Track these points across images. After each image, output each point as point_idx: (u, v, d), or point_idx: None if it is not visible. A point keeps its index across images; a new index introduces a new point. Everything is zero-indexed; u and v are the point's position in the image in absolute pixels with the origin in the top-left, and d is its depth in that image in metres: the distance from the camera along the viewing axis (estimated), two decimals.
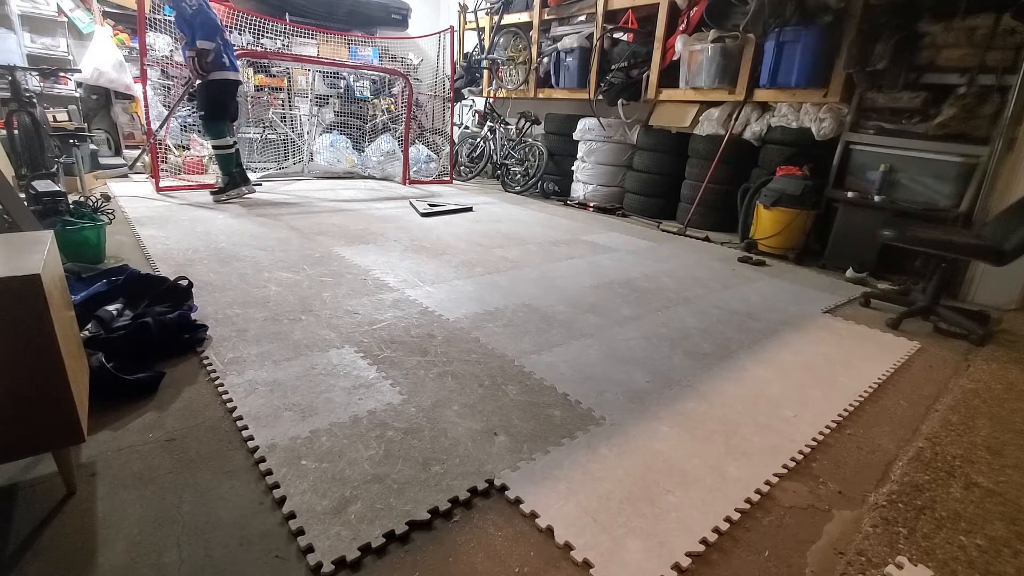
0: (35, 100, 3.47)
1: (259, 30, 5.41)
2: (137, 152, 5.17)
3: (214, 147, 4.11)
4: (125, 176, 4.89)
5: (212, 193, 4.14)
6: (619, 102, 4.74)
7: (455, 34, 6.11)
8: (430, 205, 4.41)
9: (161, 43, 5.19)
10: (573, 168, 5.25)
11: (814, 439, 1.51)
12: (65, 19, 4.78)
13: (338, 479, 1.21)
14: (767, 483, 1.30)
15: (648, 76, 4.54)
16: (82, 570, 0.96)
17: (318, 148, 5.85)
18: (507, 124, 5.97)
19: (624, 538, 1.10)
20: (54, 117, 4.50)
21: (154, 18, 5.09)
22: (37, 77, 4.46)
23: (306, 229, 3.48)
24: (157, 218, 3.51)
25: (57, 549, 1.00)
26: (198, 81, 3.90)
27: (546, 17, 5.38)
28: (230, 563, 0.99)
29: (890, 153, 3.23)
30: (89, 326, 1.63)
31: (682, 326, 2.26)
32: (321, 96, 6.04)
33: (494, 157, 5.97)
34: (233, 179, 4.16)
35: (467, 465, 1.29)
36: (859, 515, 1.23)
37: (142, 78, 4.27)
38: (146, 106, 4.32)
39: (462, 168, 6.44)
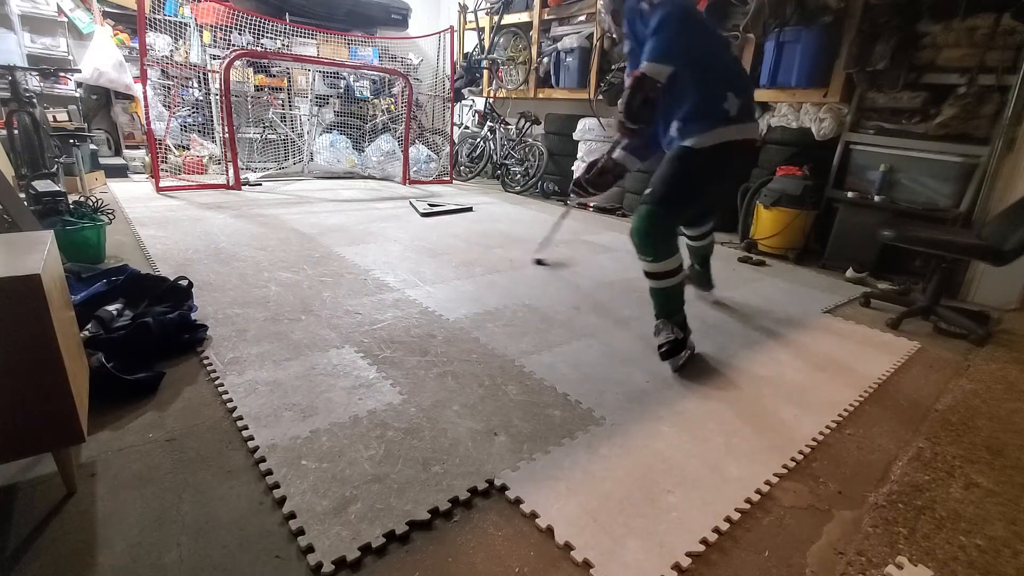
0: (35, 100, 3.46)
1: (259, 30, 5.41)
2: (139, 152, 5.18)
3: (647, 273, 1.89)
4: None
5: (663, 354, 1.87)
6: (619, 102, 4.73)
7: (455, 34, 6.11)
8: (430, 205, 4.40)
9: (161, 43, 5.18)
10: (573, 168, 5.25)
11: (814, 439, 1.51)
12: (65, 19, 4.78)
13: (338, 479, 1.21)
14: (767, 483, 1.30)
15: None
16: (82, 570, 0.96)
17: (318, 148, 5.85)
18: (507, 124, 5.97)
19: (624, 538, 1.10)
20: (54, 117, 4.50)
21: (154, 18, 5.09)
22: (37, 77, 4.46)
23: (306, 229, 3.48)
24: (157, 218, 3.51)
25: (57, 549, 1.00)
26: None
27: (546, 17, 5.37)
28: (230, 563, 0.99)
29: (890, 153, 3.22)
30: (89, 326, 1.63)
31: None
32: (321, 96, 6.04)
33: (494, 157, 5.97)
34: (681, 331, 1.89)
35: (467, 465, 1.29)
36: (859, 515, 1.23)
37: (142, 78, 4.27)
38: (146, 106, 4.31)
39: (462, 168, 6.44)
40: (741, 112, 1.74)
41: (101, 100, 5.20)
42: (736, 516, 1.19)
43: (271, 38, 5.58)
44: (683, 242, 2.25)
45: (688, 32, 1.72)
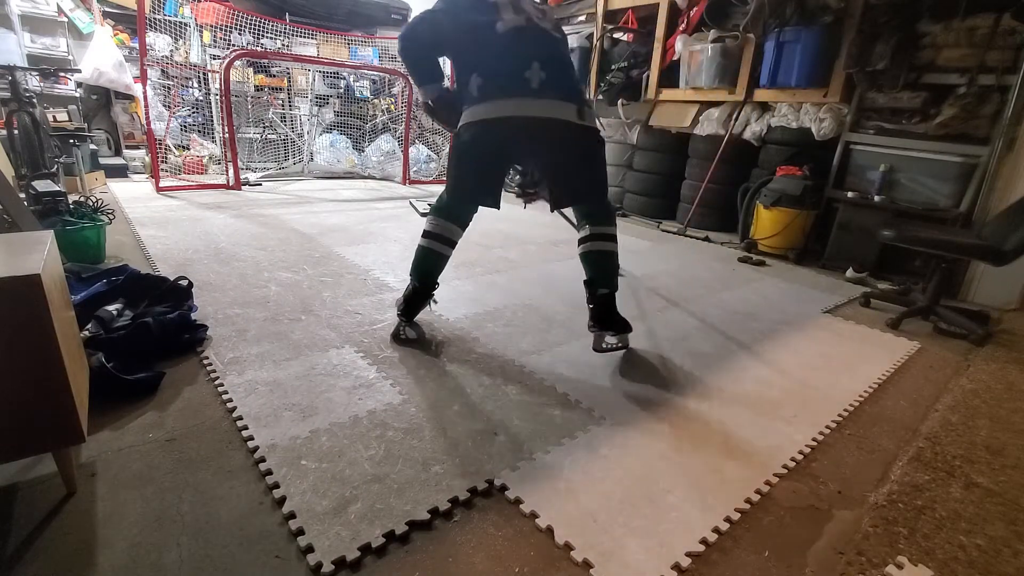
0: (35, 100, 3.47)
1: (259, 30, 5.41)
2: (139, 152, 5.18)
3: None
4: None
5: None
6: (619, 102, 4.73)
7: None
8: (430, 205, 4.40)
9: (161, 43, 5.19)
10: None
11: (814, 439, 1.51)
12: (65, 19, 4.79)
13: (338, 479, 1.21)
14: (767, 483, 1.30)
15: (648, 76, 4.54)
16: (82, 570, 0.96)
17: (318, 148, 5.85)
18: None
19: (624, 538, 1.10)
20: (54, 117, 4.50)
21: (154, 18, 5.09)
22: (37, 77, 4.47)
23: (306, 229, 3.48)
24: (157, 218, 3.51)
25: (57, 549, 1.00)
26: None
27: None
28: (230, 563, 0.99)
29: (890, 153, 3.22)
30: (89, 326, 1.63)
31: (682, 326, 2.26)
32: (321, 96, 6.04)
33: None
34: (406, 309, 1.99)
35: (467, 465, 1.29)
36: (859, 515, 1.23)
37: (142, 78, 4.27)
38: (146, 106, 4.32)
39: None
40: (488, 91, 1.74)
41: (101, 100, 5.20)
42: (736, 516, 1.19)
43: (271, 38, 5.59)
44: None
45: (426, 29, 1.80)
